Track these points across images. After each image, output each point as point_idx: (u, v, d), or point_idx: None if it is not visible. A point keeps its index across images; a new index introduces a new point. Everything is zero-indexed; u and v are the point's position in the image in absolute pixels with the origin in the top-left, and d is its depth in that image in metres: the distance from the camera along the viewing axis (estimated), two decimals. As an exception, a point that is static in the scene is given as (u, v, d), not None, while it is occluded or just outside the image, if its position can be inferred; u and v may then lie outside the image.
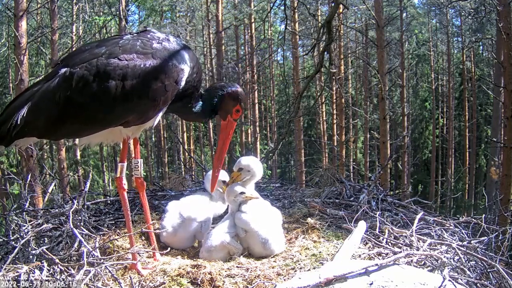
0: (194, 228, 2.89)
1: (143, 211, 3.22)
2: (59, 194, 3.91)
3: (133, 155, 2.75)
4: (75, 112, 2.19)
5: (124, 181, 2.49)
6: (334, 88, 14.66)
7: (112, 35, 2.71)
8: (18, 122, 2.17)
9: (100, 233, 2.85)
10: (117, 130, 2.36)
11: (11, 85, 14.57)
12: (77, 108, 2.17)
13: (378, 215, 2.84)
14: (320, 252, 2.56)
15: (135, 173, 2.57)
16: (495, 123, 10.96)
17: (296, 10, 13.18)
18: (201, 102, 2.49)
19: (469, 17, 16.89)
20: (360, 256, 2.41)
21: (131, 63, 2.16)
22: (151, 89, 2.19)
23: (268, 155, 7.85)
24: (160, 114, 2.37)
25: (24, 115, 2.18)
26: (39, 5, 10.98)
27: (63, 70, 2.22)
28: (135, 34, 2.36)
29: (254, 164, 2.97)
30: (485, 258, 2.43)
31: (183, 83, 2.28)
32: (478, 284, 2.21)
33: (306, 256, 2.52)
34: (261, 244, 2.63)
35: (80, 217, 2.91)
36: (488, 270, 2.43)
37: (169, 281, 2.21)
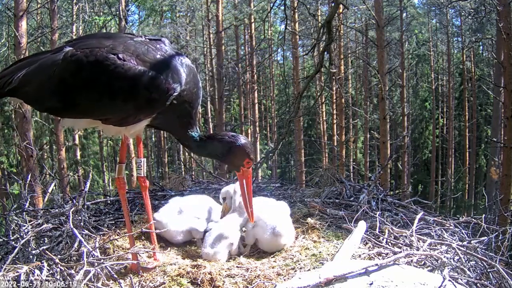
0: (189, 223, 2.89)
1: (145, 210, 3.23)
2: (59, 194, 3.90)
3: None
4: (62, 93, 2.21)
5: (124, 181, 2.49)
6: (334, 88, 14.67)
7: (128, 32, 2.71)
8: (13, 81, 2.24)
9: (100, 233, 2.85)
10: (97, 123, 2.37)
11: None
12: (65, 89, 2.20)
13: (378, 215, 2.84)
14: (320, 252, 2.56)
15: (138, 172, 2.58)
16: (495, 123, 10.96)
17: (296, 10, 13.18)
18: (198, 132, 2.42)
19: (469, 17, 16.89)
20: (360, 256, 2.41)
21: (127, 64, 2.16)
22: (136, 97, 2.18)
23: (268, 155, 7.86)
24: (142, 124, 2.36)
25: (20, 77, 2.24)
26: (39, 5, 10.99)
27: (68, 49, 2.25)
28: (147, 40, 2.35)
29: (231, 189, 2.99)
30: (485, 258, 2.43)
31: (168, 103, 2.24)
32: (478, 284, 2.21)
33: (306, 256, 2.52)
34: (271, 235, 2.64)
35: (80, 217, 2.91)
36: (488, 270, 2.42)
37: (169, 281, 2.21)
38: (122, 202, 2.53)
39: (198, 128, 2.46)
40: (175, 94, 2.24)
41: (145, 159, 2.61)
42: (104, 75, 2.15)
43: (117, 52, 2.18)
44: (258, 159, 14.96)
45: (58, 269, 2.08)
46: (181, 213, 2.92)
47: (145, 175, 2.59)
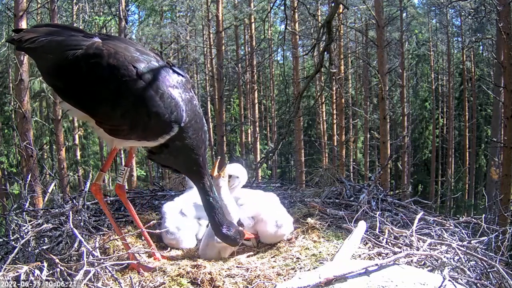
0: (196, 227, 2.91)
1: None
2: (59, 194, 3.90)
3: (133, 155, 2.76)
4: (71, 78, 2.22)
5: (100, 188, 2.51)
6: (334, 88, 14.66)
7: (156, 51, 2.74)
8: (36, 42, 2.25)
9: (100, 233, 2.85)
10: (91, 121, 2.38)
11: (11, 85, 14.59)
12: (75, 76, 2.21)
13: (378, 215, 2.84)
14: (320, 252, 2.56)
15: (117, 179, 2.58)
16: (495, 123, 10.95)
17: (296, 10, 13.16)
18: (212, 196, 2.48)
19: (469, 17, 16.88)
20: (360, 256, 2.41)
21: (141, 84, 2.16)
22: (134, 118, 2.19)
23: (268, 155, 7.85)
24: (131, 143, 2.38)
25: (44, 42, 2.25)
26: (39, 5, 10.98)
27: (96, 39, 2.27)
28: (171, 70, 2.34)
29: (239, 171, 3.06)
30: (485, 258, 2.43)
31: (162, 140, 2.27)
32: (478, 284, 2.21)
33: (306, 256, 2.52)
34: (274, 228, 2.69)
35: (80, 217, 2.91)
36: (488, 270, 2.43)
37: (169, 281, 2.21)
38: (103, 207, 2.58)
39: (209, 180, 2.48)
40: (171, 133, 2.25)
41: (128, 168, 2.61)
42: (115, 82, 2.16)
43: (138, 67, 2.18)
44: (258, 159, 14.96)
45: (58, 269, 2.08)
46: (187, 219, 2.90)
47: (124, 184, 2.60)
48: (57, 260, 2.11)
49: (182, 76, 2.39)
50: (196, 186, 2.53)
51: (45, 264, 2.10)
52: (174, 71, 2.36)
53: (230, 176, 3.01)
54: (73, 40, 2.24)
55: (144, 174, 20.46)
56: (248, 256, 2.69)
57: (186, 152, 2.37)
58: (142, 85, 2.16)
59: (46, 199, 4.34)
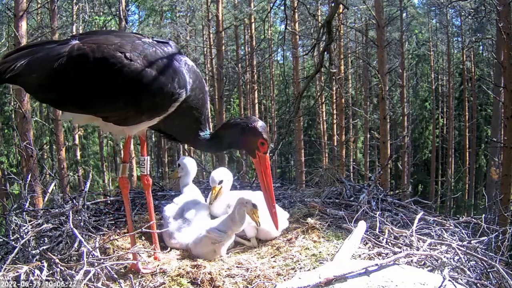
0: (197, 228, 2.90)
1: (145, 210, 3.22)
2: (59, 194, 3.90)
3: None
4: (64, 86, 2.19)
5: (128, 181, 2.50)
6: (334, 88, 14.67)
7: (135, 32, 2.69)
8: (15, 69, 2.20)
9: (100, 233, 2.85)
10: (98, 120, 2.36)
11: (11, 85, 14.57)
12: (67, 83, 2.18)
13: (378, 215, 2.84)
14: (320, 252, 2.56)
15: (141, 170, 2.58)
16: (495, 123, 10.95)
17: (296, 10, 13.16)
18: (209, 131, 2.41)
19: (469, 17, 16.89)
20: (360, 256, 2.41)
21: (133, 65, 2.13)
22: (139, 100, 2.17)
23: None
24: (144, 125, 2.35)
25: (23, 65, 2.21)
26: (39, 5, 10.98)
27: (74, 42, 2.23)
28: (155, 42, 2.33)
29: (227, 174, 3.05)
30: (485, 258, 2.43)
31: (172, 109, 2.24)
32: (478, 284, 2.21)
33: (306, 256, 2.52)
34: (271, 226, 2.69)
35: (80, 217, 2.91)
36: (488, 270, 2.43)
37: (169, 281, 2.21)
38: (125, 201, 2.54)
39: (209, 128, 2.43)
40: (180, 99, 2.22)
41: (148, 157, 2.61)
42: (109, 73, 2.13)
43: (125, 51, 2.15)
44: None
45: (58, 269, 2.08)
46: (190, 222, 2.90)
47: (148, 173, 2.59)
48: (57, 260, 2.12)
49: (168, 44, 2.37)
50: (192, 145, 2.50)
51: (45, 264, 2.10)
52: (159, 42, 2.34)
53: (221, 181, 3.00)
54: (52, 51, 2.21)
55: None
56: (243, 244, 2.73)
57: (192, 115, 2.34)
58: (135, 66, 2.13)
59: (46, 199, 4.34)
